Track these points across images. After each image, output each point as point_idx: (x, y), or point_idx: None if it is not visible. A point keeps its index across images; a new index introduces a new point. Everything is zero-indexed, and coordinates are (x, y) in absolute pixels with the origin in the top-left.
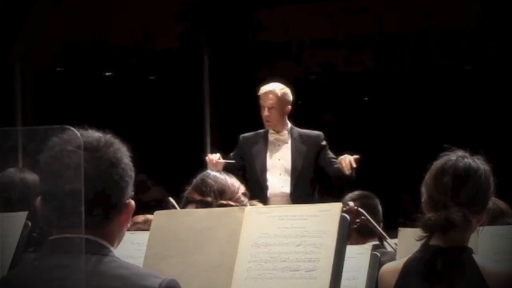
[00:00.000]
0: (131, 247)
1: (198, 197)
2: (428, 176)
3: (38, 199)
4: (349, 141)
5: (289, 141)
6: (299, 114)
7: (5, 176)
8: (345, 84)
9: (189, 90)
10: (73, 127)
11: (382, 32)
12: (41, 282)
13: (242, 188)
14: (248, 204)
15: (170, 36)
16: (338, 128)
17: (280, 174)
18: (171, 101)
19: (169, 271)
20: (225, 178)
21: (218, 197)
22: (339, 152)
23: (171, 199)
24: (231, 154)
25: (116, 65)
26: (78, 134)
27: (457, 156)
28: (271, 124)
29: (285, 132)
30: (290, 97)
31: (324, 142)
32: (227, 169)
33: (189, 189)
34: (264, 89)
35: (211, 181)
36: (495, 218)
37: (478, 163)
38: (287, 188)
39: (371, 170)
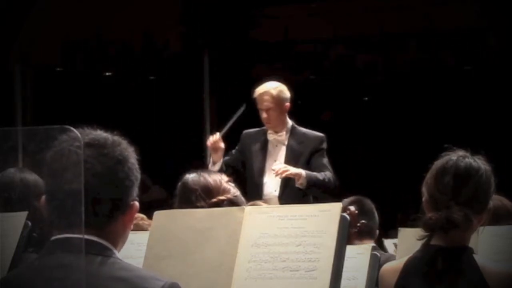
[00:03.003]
0: (131, 247)
1: (189, 207)
2: (429, 176)
3: (43, 198)
4: (349, 141)
5: (286, 142)
6: (299, 114)
7: (5, 176)
8: (345, 84)
9: (189, 90)
10: (74, 127)
11: (382, 32)
12: (41, 282)
13: (223, 178)
14: (236, 189)
15: (170, 36)
16: (338, 128)
17: (276, 176)
18: (171, 101)
19: (169, 271)
20: (205, 178)
21: (206, 198)
22: (338, 152)
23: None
24: (233, 150)
25: (116, 65)
26: (78, 134)
27: (457, 156)
28: (271, 125)
29: (284, 132)
30: (287, 94)
31: (323, 145)
32: (229, 165)
33: (175, 203)
34: (258, 91)
35: (194, 187)
36: (502, 218)
37: (479, 162)
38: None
39: (371, 169)
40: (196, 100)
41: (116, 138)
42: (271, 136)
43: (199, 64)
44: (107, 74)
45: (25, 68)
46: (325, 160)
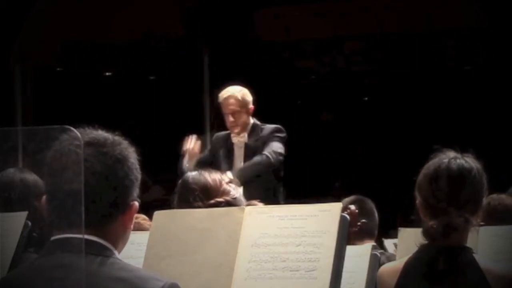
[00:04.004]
0: (131, 247)
1: (187, 206)
2: (421, 180)
3: (43, 198)
4: (349, 141)
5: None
6: (299, 114)
7: (5, 176)
8: (345, 84)
9: (189, 90)
10: (74, 127)
11: (382, 32)
12: (41, 282)
13: (225, 178)
14: (236, 191)
15: (170, 36)
16: (338, 128)
17: None
18: (171, 101)
19: (169, 271)
20: (205, 177)
21: (204, 199)
22: (338, 152)
23: None
24: (206, 150)
25: (116, 65)
26: (79, 134)
27: (449, 158)
28: (238, 128)
29: (245, 133)
30: (250, 96)
31: (277, 134)
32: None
33: (175, 200)
34: (223, 95)
35: (193, 186)
36: None
37: (470, 162)
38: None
39: (371, 169)
40: (196, 100)
41: (117, 137)
42: (235, 139)
43: (199, 64)
44: (107, 74)
45: (25, 68)
46: (273, 144)
